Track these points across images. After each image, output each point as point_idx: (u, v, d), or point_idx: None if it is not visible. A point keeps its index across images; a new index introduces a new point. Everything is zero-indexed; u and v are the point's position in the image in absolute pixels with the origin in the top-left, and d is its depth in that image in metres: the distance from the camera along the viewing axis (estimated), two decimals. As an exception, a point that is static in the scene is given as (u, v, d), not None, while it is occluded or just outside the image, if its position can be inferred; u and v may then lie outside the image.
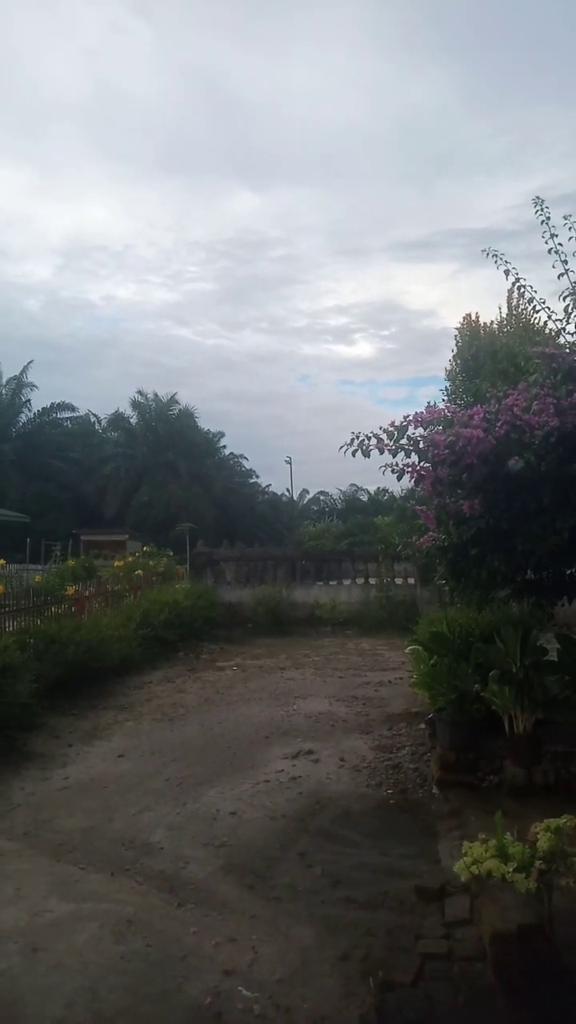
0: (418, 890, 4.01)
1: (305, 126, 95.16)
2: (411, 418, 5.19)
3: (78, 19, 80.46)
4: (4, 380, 45.17)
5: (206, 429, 50.81)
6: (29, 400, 45.93)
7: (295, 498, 60.12)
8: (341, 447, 5.24)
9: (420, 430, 5.15)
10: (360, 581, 17.02)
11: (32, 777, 6.18)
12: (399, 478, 5.26)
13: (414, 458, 5.16)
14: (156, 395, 48.38)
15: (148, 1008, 3.08)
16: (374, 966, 3.34)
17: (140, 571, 15.56)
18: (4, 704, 6.77)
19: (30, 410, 46.15)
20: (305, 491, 62.83)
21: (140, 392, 48.46)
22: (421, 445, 5.05)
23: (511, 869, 3.10)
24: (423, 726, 7.03)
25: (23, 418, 45.91)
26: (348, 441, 5.23)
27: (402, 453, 5.17)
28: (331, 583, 17.28)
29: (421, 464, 5.13)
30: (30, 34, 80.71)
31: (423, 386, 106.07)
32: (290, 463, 55.30)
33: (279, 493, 59.85)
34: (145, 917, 3.82)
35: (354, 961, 3.42)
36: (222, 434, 53.24)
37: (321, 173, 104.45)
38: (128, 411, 48.70)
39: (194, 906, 3.97)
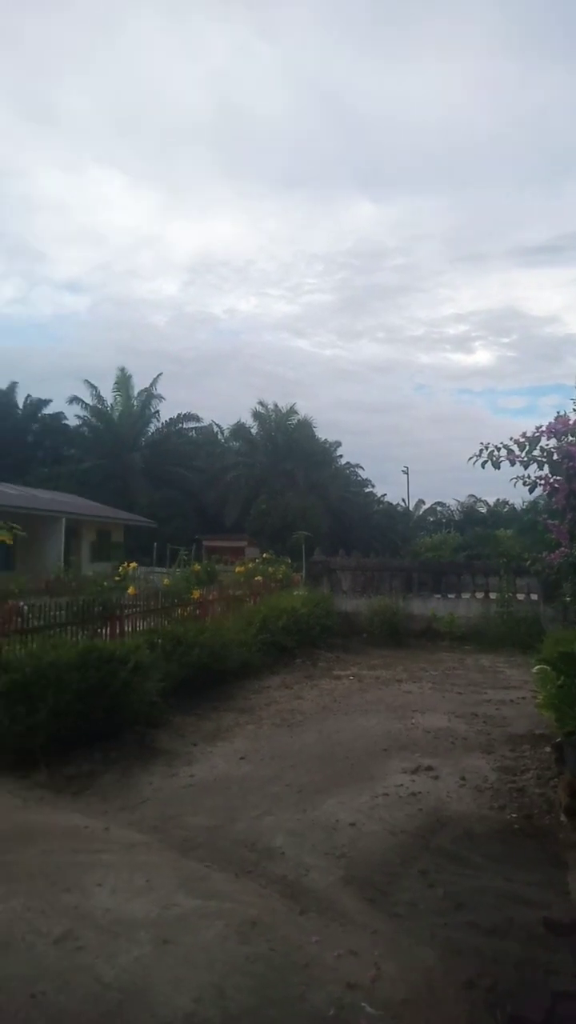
0: (546, 922, 3.84)
1: (426, 134, 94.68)
2: (544, 429, 5.02)
3: (206, 43, 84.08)
4: (135, 392, 47.61)
5: (323, 439, 51.28)
6: (158, 411, 48.17)
7: (411, 508, 59.33)
8: (470, 458, 5.15)
9: (553, 441, 4.98)
10: (479, 595, 16.53)
11: (159, 773, 6.45)
12: (531, 490, 5.11)
13: (546, 470, 4.99)
14: (276, 406, 49.46)
15: (273, 1012, 3.13)
16: (501, 998, 3.23)
17: (260, 577, 15.88)
18: (135, 701, 7.10)
19: (158, 420, 48.43)
20: (421, 501, 61.95)
21: (261, 403, 49.75)
22: (555, 457, 4.88)
23: None
24: (549, 749, 6.73)
25: (151, 428, 48.20)
26: (477, 452, 5.13)
27: (534, 465, 5.01)
28: (449, 596, 16.88)
29: (555, 477, 4.95)
30: (161, 61, 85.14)
31: (545, 395, 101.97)
32: (407, 473, 54.68)
33: (394, 503, 59.34)
34: (268, 921, 3.88)
35: (480, 990, 3.32)
36: (338, 444, 53.58)
37: (441, 179, 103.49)
38: (249, 421, 50.01)
39: (315, 915, 4.00)
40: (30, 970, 3.38)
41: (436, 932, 3.85)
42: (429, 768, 6.53)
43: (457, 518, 58.13)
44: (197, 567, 14.85)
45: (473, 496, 59.76)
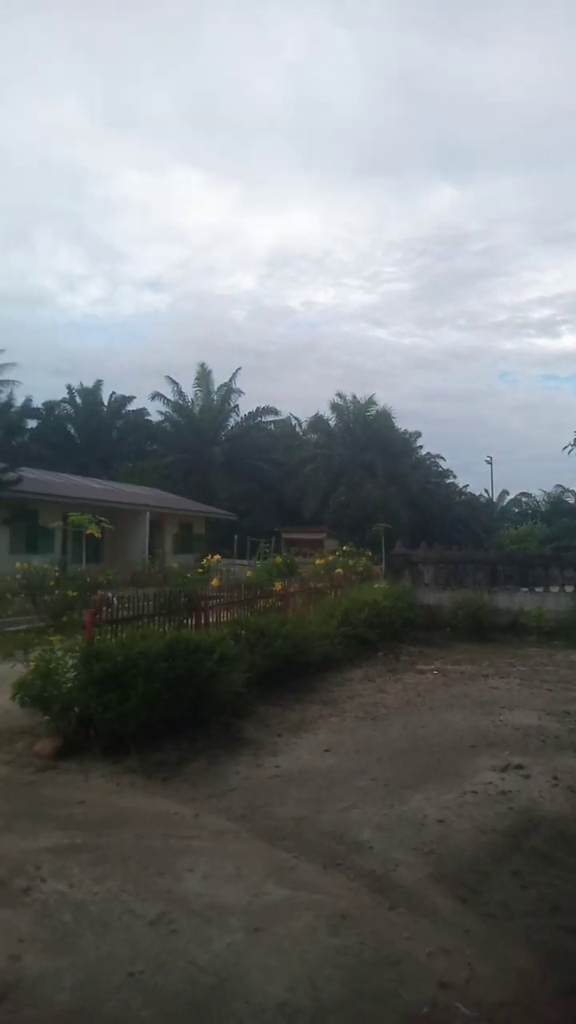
0: None
1: (506, 113, 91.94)
2: None
3: (282, 36, 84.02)
4: (215, 387, 48.32)
5: (402, 429, 50.66)
6: (237, 406, 48.77)
7: (494, 499, 57.88)
8: (565, 447, 4.98)
9: None
10: (569, 589, 15.95)
11: (245, 762, 6.53)
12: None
13: None
14: (354, 397, 49.19)
15: (366, 1006, 3.12)
16: (603, 1006, 3.11)
17: (340, 570, 15.84)
18: (221, 691, 7.21)
19: (238, 415, 49.03)
20: (505, 492, 60.47)
21: (339, 394, 49.56)
22: None
23: None
24: None
25: (231, 422, 48.83)
26: (572, 440, 4.92)
27: None
28: (536, 590, 16.35)
29: None
30: (238, 57, 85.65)
31: None
32: (490, 463, 53.36)
33: (477, 494, 58.03)
34: (358, 914, 3.87)
35: (580, 997, 3.21)
36: (418, 434, 52.84)
37: (523, 160, 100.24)
38: (327, 413, 49.95)
39: (405, 911, 3.96)
40: (127, 950, 3.50)
41: (531, 935, 3.75)
42: (519, 766, 6.35)
43: (543, 509, 56.35)
44: (279, 559, 14.94)
45: (560, 486, 57.85)
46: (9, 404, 28.19)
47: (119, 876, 4.25)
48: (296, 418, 54.29)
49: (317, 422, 50.66)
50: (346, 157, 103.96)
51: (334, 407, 49.31)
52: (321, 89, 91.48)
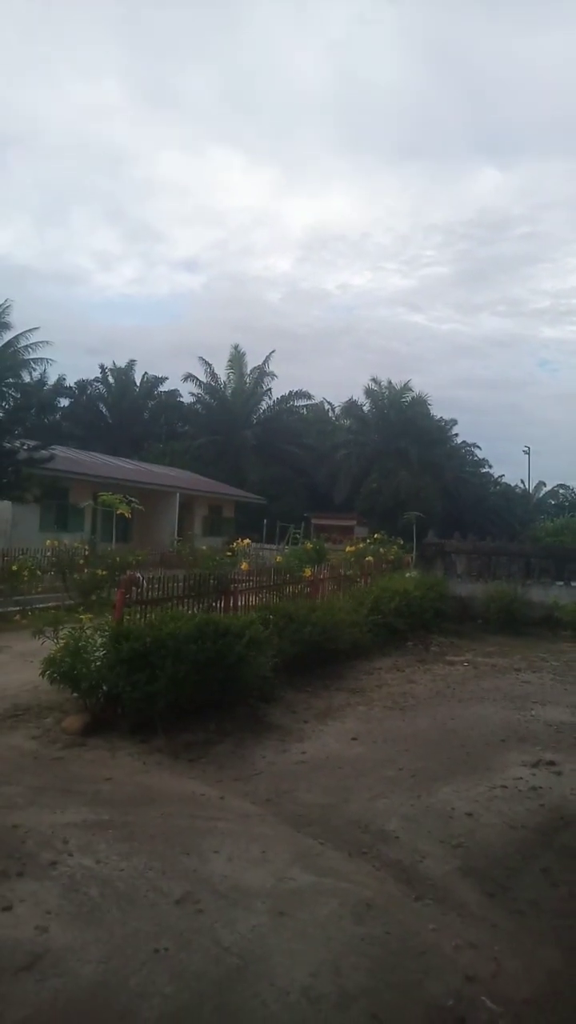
0: None
1: (555, 94, 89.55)
2: None
3: (325, 15, 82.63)
4: (248, 370, 48.16)
5: (438, 417, 49.97)
6: (270, 389, 48.55)
7: (530, 490, 57.02)
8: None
9: None
10: (606, 584, 15.65)
11: (272, 747, 6.53)
12: None
13: None
14: (389, 382, 48.62)
15: (390, 996, 3.09)
16: None
17: (371, 557, 15.73)
18: (249, 675, 7.18)
19: (270, 398, 48.79)
20: (542, 483, 59.42)
21: (374, 380, 48.99)
22: None
23: None
24: None
25: (263, 405, 48.62)
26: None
27: None
28: (572, 584, 16.08)
29: None
30: (281, 37, 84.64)
31: None
32: (528, 453, 52.44)
33: (512, 484, 57.16)
34: (383, 904, 3.84)
35: (610, 999, 3.14)
36: (454, 422, 52.07)
37: (572, 142, 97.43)
38: (361, 398, 49.47)
39: (432, 903, 3.92)
40: (153, 927, 3.52)
41: (561, 934, 3.69)
42: (551, 763, 6.25)
43: (581, 502, 55.35)
44: (309, 545, 14.87)
45: (599, 479, 56.67)
46: (42, 382, 28.34)
47: (145, 854, 4.27)
48: (329, 403, 53.99)
49: (351, 407, 50.23)
50: (387, 139, 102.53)
51: (368, 392, 48.84)
52: (363, 69, 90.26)
